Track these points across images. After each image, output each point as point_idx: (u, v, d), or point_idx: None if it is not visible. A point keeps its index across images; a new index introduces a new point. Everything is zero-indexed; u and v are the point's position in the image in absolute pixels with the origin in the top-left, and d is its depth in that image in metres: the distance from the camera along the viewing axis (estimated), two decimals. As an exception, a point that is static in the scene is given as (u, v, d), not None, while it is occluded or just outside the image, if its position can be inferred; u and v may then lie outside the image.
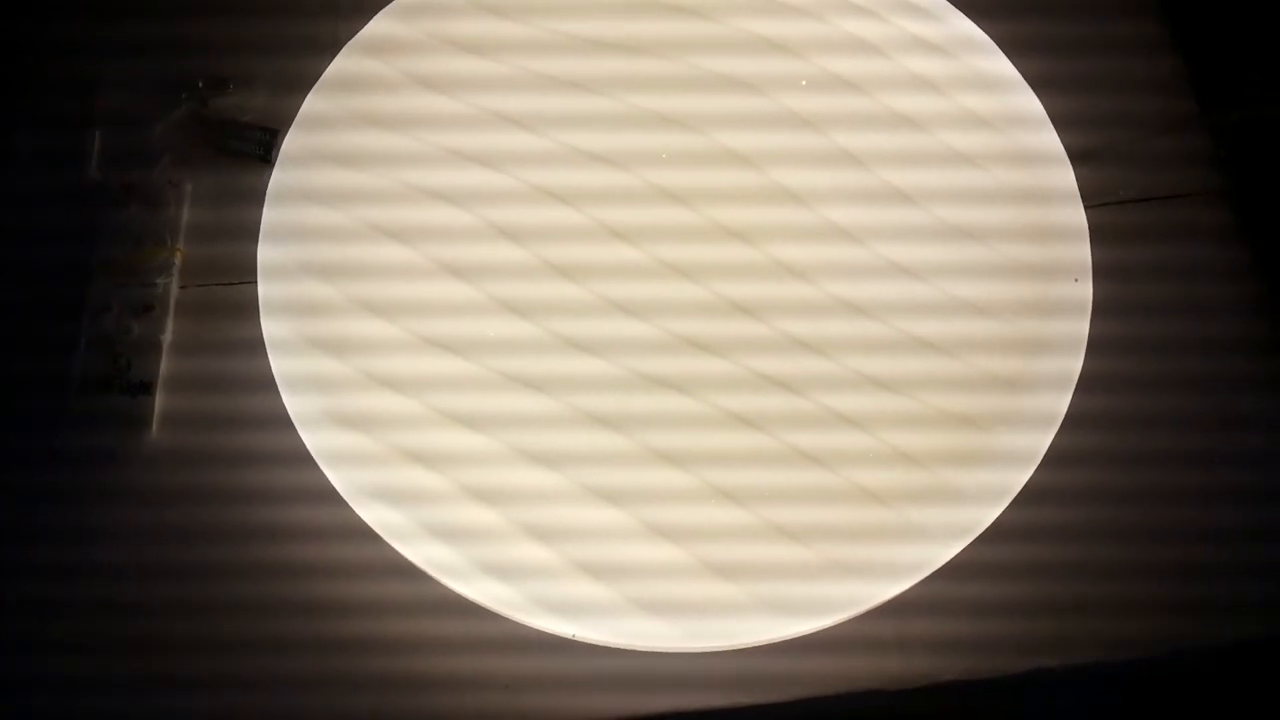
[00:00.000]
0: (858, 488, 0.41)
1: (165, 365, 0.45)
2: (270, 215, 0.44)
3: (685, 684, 0.40)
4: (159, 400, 0.45)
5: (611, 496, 0.40)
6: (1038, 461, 0.40)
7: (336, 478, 0.40)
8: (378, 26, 0.48)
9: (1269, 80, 0.54)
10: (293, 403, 0.41)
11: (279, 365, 0.42)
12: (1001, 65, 0.48)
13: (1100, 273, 0.44)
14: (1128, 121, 0.51)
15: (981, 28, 0.49)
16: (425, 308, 0.44)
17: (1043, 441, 0.40)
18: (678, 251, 0.44)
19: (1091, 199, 0.48)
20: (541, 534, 0.40)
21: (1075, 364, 0.42)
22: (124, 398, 0.44)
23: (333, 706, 0.40)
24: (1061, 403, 0.41)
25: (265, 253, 0.43)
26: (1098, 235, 0.46)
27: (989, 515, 0.40)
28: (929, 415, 0.42)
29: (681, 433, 0.41)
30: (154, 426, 0.44)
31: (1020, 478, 0.40)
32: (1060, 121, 0.47)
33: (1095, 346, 0.43)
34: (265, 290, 0.43)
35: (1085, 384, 0.42)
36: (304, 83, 0.48)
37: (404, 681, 0.40)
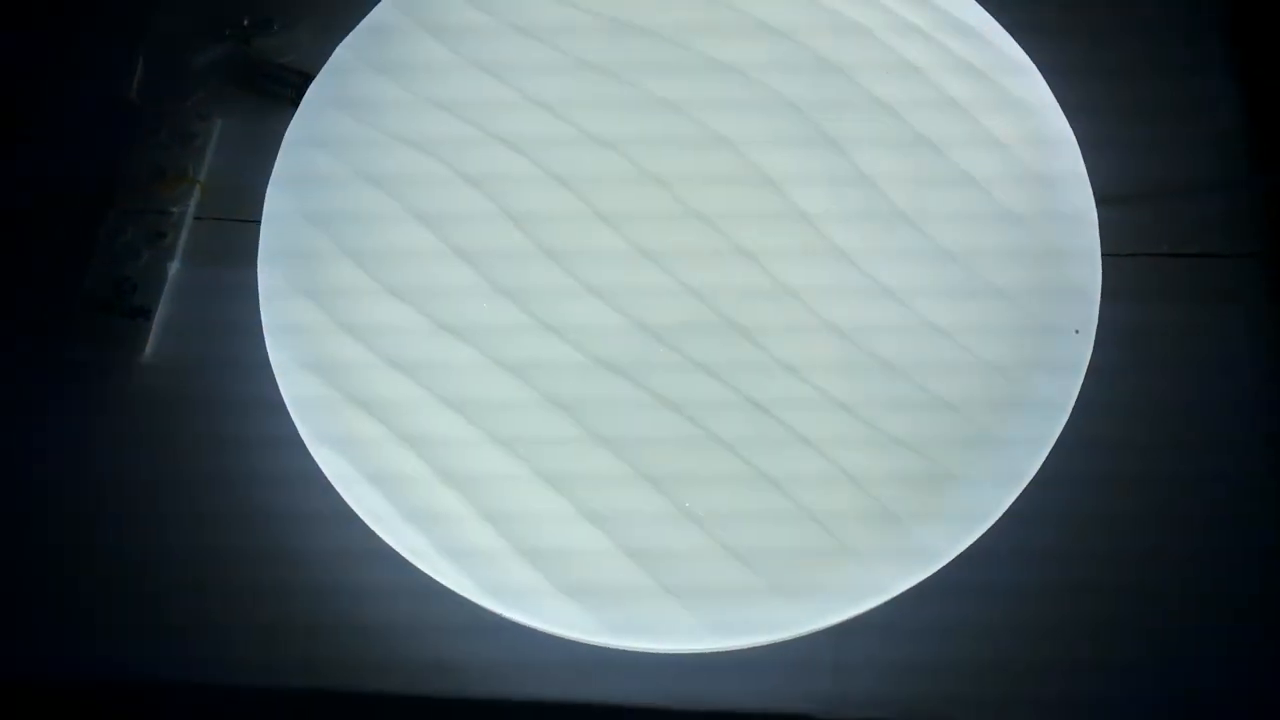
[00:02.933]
0: (806, 509, 0.40)
1: (167, 293, 0.47)
2: (282, 161, 0.44)
3: (609, 678, 0.40)
4: (156, 326, 0.46)
5: (555, 481, 0.40)
6: (995, 518, 0.39)
7: (301, 422, 0.40)
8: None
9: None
10: (273, 345, 0.42)
11: (267, 312, 0.42)
12: (1042, 92, 0.46)
13: (1110, 327, 0.43)
14: (1171, 172, 0.49)
15: (1034, 56, 0.47)
16: (396, 258, 0.44)
17: (1006, 499, 0.39)
18: (689, 270, 0.44)
19: (1120, 248, 0.46)
20: (494, 517, 0.40)
21: (1055, 426, 0.40)
22: (123, 320, 0.45)
23: (267, 653, 0.41)
24: (1032, 464, 0.40)
25: (272, 198, 0.44)
26: (1119, 287, 0.44)
27: (944, 557, 0.39)
28: (886, 443, 0.41)
29: (622, 418, 0.41)
30: (147, 351, 0.46)
31: (978, 529, 0.39)
32: (1099, 163, 0.46)
33: (1087, 402, 0.41)
34: (265, 235, 0.43)
35: (1064, 441, 0.40)
36: (348, 29, 0.48)
37: (334, 629, 0.41)
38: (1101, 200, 0.45)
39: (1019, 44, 0.47)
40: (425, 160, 0.45)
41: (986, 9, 0.48)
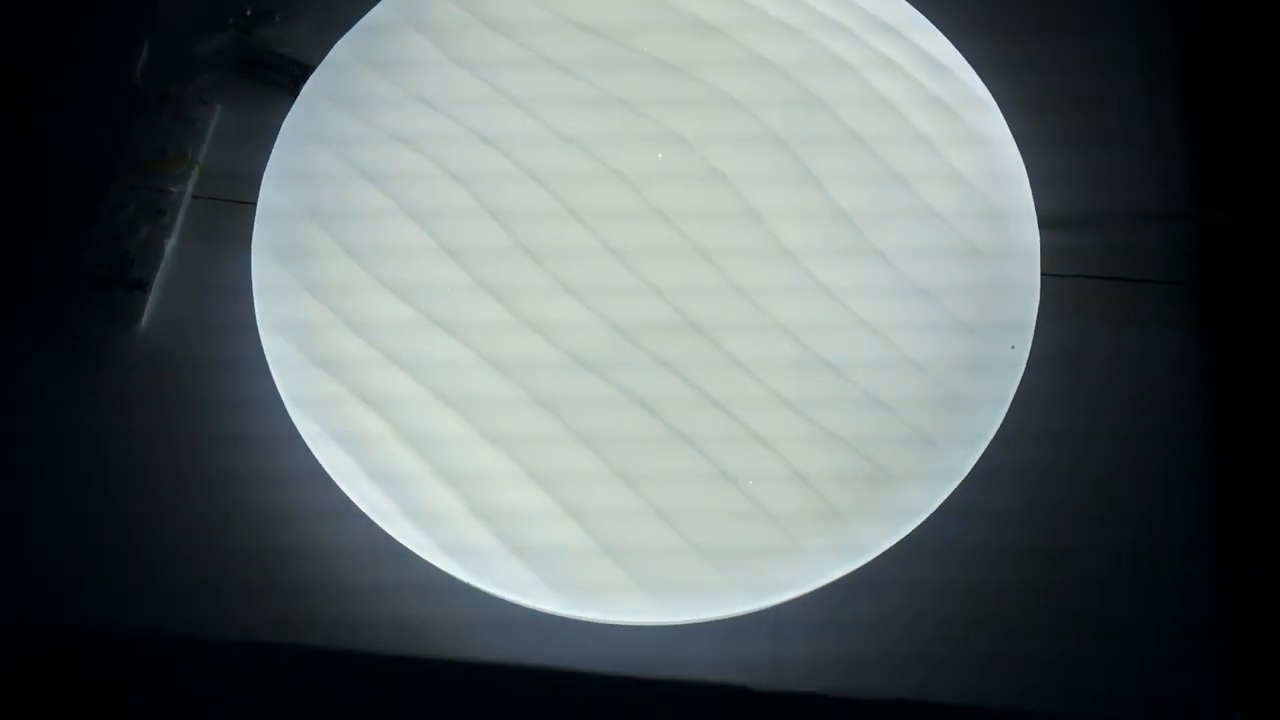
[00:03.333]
0: (760, 506, 0.43)
1: (164, 268, 0.49)
2: (278, 154, 0.47)
3: (563, 645, 0.43)
4: (152, 299, 0.49)
5: (540, 478, 0.43)
6: (932, 510, 0.42)
7: (283, 383, 0.44)
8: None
9: (1268, 185, 0.55)
10: (263, 314, 0.45)
11: (259, 302, 0.45)
12: (995, 122, 0.49)
13: (1044, 343, 0.46)
14: (1116, 198, 0.52)
15: (991, 85, 0.50)
16: (393, 255, 0.46)
17: (942, 492, 0.43)
18: (658, 268, 0.46)
19: (1061, 269, 0.50)
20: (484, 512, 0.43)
21: (991, 425, 0.43)
22: (121, 292, 0.48)
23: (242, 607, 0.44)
24: (968, 460, 0.43)
25: (266, 189, 0.47)
26: (1056, 305, 0.48)
27: (879, 546, 0.42)
28: (836, 445, 0.44)
29: (599, 416, 0.44)
30: (143, 321, 0.48)
31: (915, 520, 0.42)
32: (1046, 185, 0.49)
33: (1019, 415, 0.44)
34: (259, 226, 0.46)
35: (1001, 439, 0.43)
36: (347, 24, 0.51)
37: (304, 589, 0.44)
38: (1047, 223, 0.48)
39: (982, 79, 0.50)
40: (414, 156, 0.48)
41: (956, 44, 0.51)
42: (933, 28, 0.51)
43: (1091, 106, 0.53)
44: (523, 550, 0.42)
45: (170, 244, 0.50)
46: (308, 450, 0.43)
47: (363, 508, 0.42)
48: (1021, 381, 0.45)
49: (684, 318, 0.45)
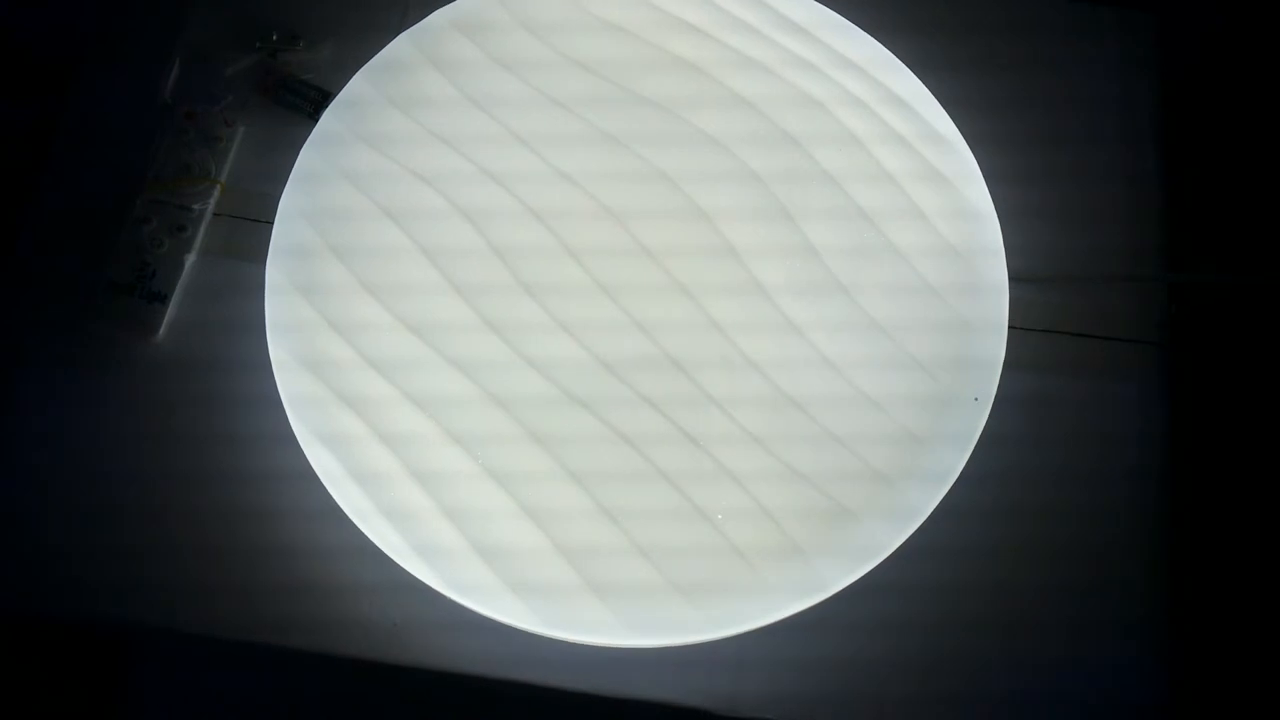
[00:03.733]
0: (729, 541, 0.46)
1: (183, 281, 0.52)
2: (290, 192, 0.50)
3: (534, 662, 0.46)
4: (170, 311, 0.52)
5: (534, 514, 0.46)
6: (890, 551, 0.45)
7: (285, 385, 0.47)
8: (435, 19, 0.54)
9: (1238, 253, 0.57)
10: (274, 320, 0.48)
11: (270, 309, 0.48)
12: (980, 193, 0.52)
13: (1010, 390, 0.48)
14: (1090, 257, 0.54)
15: (972, 134, 0.53)
16: (407, 290, 0.49)
17: (903, 532, 0.45)
18: (643, 305, 0.49)
19: (1030, 322, 0.52)
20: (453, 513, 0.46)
21: (954, 468, 0.46)
22: (141, 302, 0.51)
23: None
24: (929, 502, 0.45)
25: (282, 216, 0.50)
26: (1024, 356, 0.50)
27: (839, 584, 0.45)
28: (802, 484, 0.46)
29: (590, 453, 0.47)
30: (160, 331, 0.51)
31: (875, 559, 0.45)
32: (1021, 242, 0.51)
33: (981, 458, 0.47)
34: (273, 247, 0.49)
35: (962, 481, 0.46)
36: (367, 54, 0.53)
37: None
38: (1019, 278, 0.51)
39: (974, 153, 0.52)
40: (427, 192, 0.51)
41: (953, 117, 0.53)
42: (934, 102, 0.53)
43: (1071, 169, 0.56)
44: (517, 585, 0.45)
45: (190, 259, 0.52)
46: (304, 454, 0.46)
47: (376, 541, 0.45)
48: (985, 426, 0.47)
49: (665, 354, 0.48)
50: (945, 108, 0.52)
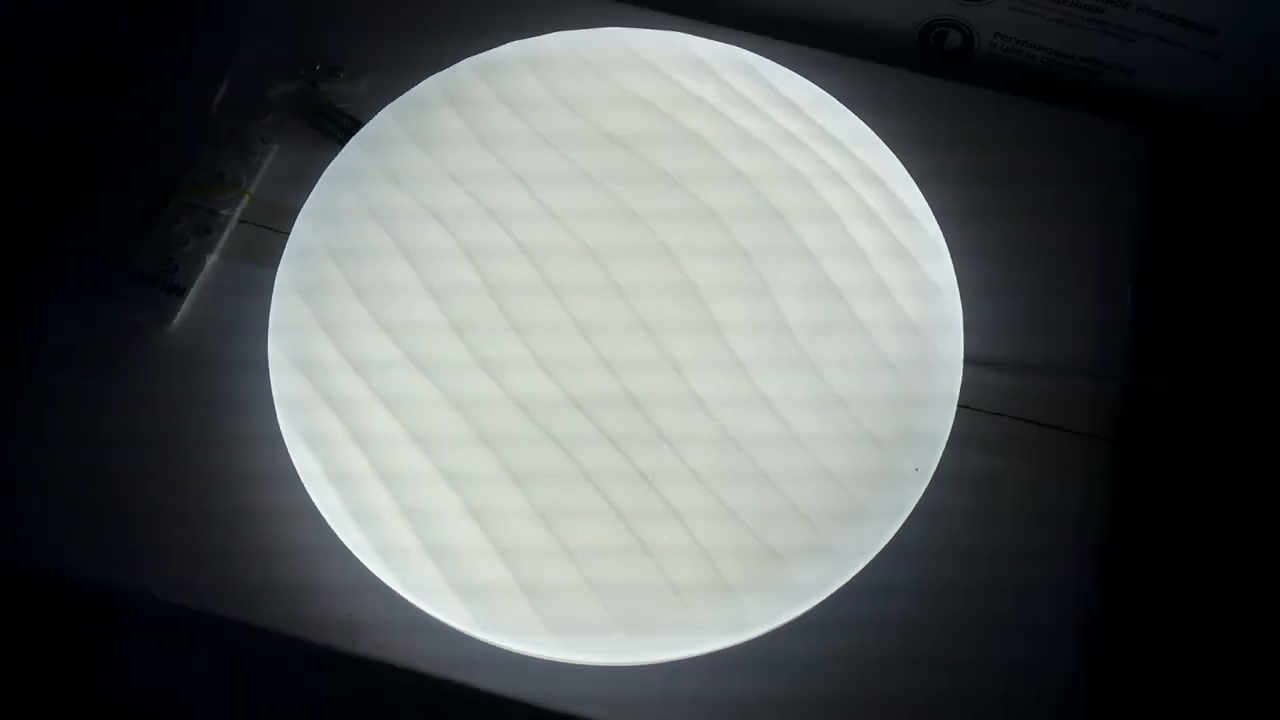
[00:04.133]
0: (668, 580, 0.49)
1: (202, 279, 0.57)
2: (303, 222, 0.55)
3: (480, 666, 0.49)
4: (187, 304, 0.56)
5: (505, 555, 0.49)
6: (823, 597, 0.48)
7: (281, 391, 0.51)
8: (462, 67, 0.58)
9: (1197, 362, 0.59)
10: (275, 320, 0.53)
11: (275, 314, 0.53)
12: (948, 270, 0.55)
13: (955, 467, 0.51)
14: (1049, 348, 0.57)
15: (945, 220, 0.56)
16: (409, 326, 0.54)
17: (834, 583, 0.48)
18: (606, 341, 0.53)
19: (984, 404, 0.55)
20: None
21: (885, 535, 0.49)
22: (161, 293, 0.55)
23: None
24: (857, 564, 0.48)
25: (296, 235, 0.55)
26: (974, 437, 0.53)
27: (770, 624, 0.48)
28: (739, 528, 0.49)
29: (561, 492, 0.50)
30: (175, 321, 0.55)
31: (803, 606, 0.48)
32: (983, 329, 0.54)
33: (918, 534, 0.50)
34: (286, 252, 0.54)
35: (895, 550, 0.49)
36: (399, 91, 0.58)
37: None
38: (976, 361, 0.53)
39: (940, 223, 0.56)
40: (434, 227, 0.55)
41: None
42: (922, 199, 0.56)
43: (1043, 260, 0.58)
44: (489, 624, 0.48)
45: (211, 259, 0.57)
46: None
47: (382, 578, 0.48)
48: (926, 499, 0.50)
49: (626, 391, 0.52)
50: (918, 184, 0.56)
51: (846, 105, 0.58)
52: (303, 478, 0.50)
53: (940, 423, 0.51)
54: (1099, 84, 0.67)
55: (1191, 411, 0.59)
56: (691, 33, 0.60)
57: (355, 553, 0.48)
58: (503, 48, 0.59)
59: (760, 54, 0.60)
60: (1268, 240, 0.66)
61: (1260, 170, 0.67)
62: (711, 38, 0.60)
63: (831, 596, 0.48)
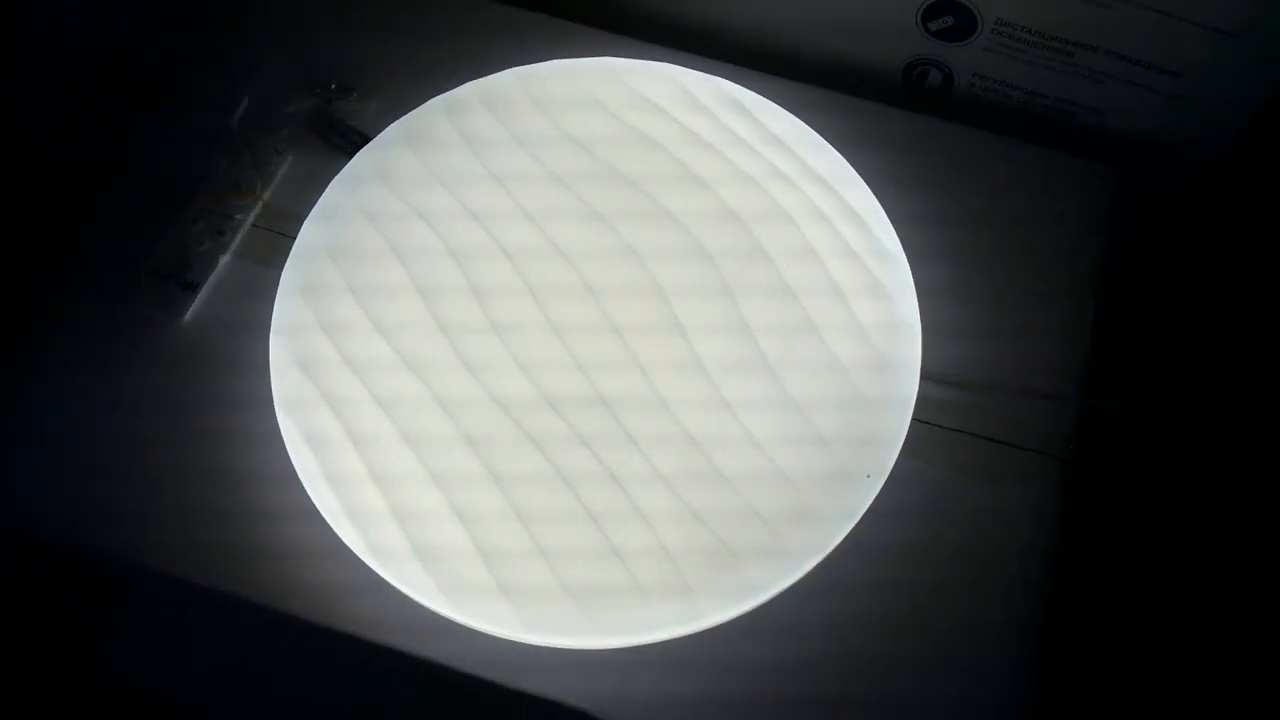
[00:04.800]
0: (635, 580, 0.52)
1: (215, 277, 0.61)
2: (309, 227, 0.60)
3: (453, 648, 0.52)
4: (199, 300, 0.60)
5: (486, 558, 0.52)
6: (772, 595, 0.50)
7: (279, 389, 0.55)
8: (464, 90, 0.63)
9: (1154, 388, 0.62)
10: (277, 326, 0.57)
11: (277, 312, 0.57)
12: (906, 282, 0.58)
13: (907, 477, 0.54)
14: (1009, 370, 0.59)
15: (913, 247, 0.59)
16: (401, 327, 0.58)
17: (786, 580, 0.51)
18: (579, 343, 0.57)
19: (939, 420, 0.58)
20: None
21: (837, 536, 0.52)
22: (175, 289, 0.60)
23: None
24: (810, 560, 0.51)
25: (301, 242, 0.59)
26: (928, 450, 0.56)
27: (721, 617, 0.50)
28: (700, 527, 0.52)
29: (538, 493, 0.53)
30: (187, 316, 0.60)
31: (756, 600, 0.51)
32: (943, 346, 0.57)
33: (870, 535, 0.52)
34: (292, 256, 0.58)
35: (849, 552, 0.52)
36: (406, 110, 0.63)
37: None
38: (933, 378, 0.56)
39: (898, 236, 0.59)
40: (425, 230, 0.59)
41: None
42: (895, 236, 0.60)
43: (1008, 290, 0.61)
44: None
45: (224, 259, 0.61)
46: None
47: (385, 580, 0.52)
48: (881, 502, 0.53)
49: (596, 391, 0.55)
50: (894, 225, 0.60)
51: (830, 139, 0.62)
52: (302, 477, 0.53)
53: (896, 425, 0.54)
54: (1073, 124, 0.70)
55: (1146, 434, 0.61)
56: (680, 64, 0.64)
57: (353, 550, 0.52)
58: (502, 74, 0.63)
59: (750, 88, 0.64)
60: (1232, 276, 0.69)
61: (1227, 209, 0.70)
62: (696, 69, 0.64)
63: (785, 595, 0.51)
